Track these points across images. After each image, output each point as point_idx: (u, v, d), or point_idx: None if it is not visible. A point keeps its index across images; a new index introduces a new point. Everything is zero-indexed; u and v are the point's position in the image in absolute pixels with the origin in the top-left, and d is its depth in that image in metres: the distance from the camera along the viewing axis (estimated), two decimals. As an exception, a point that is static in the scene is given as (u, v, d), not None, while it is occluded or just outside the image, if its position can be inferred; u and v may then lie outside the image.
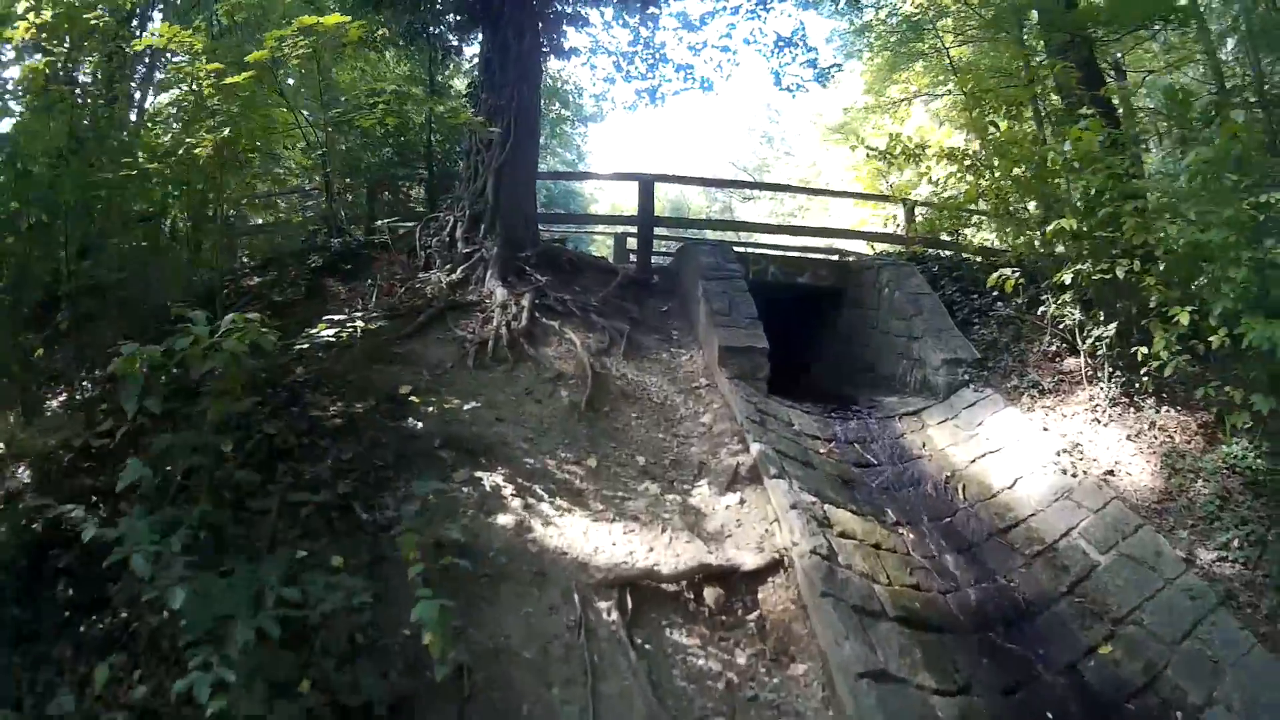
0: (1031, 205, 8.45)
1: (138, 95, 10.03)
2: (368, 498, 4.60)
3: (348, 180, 10.45)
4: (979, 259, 9.52)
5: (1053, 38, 10.61)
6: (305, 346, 5.25)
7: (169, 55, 7.95)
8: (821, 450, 6.65)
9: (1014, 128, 8.66)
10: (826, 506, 5.36)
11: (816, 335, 10.52)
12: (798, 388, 9.34)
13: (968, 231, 11.99)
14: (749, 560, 4.74)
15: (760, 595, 4.60)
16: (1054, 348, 7.27)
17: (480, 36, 9.31)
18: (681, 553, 4.68)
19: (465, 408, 5.60)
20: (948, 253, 10.69)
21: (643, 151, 61.31)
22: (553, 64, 14.82)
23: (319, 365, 5.80)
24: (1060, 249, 7.28)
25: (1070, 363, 7.06)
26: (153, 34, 6.27)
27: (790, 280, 9.63)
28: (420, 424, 5.35)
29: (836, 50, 16.02)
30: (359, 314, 7.12)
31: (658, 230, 11.33)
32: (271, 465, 4.75)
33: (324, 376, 5.75)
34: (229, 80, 5.44)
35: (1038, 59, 12.04)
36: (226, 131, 6.37)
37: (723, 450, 5.98)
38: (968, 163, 8.83)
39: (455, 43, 9.81)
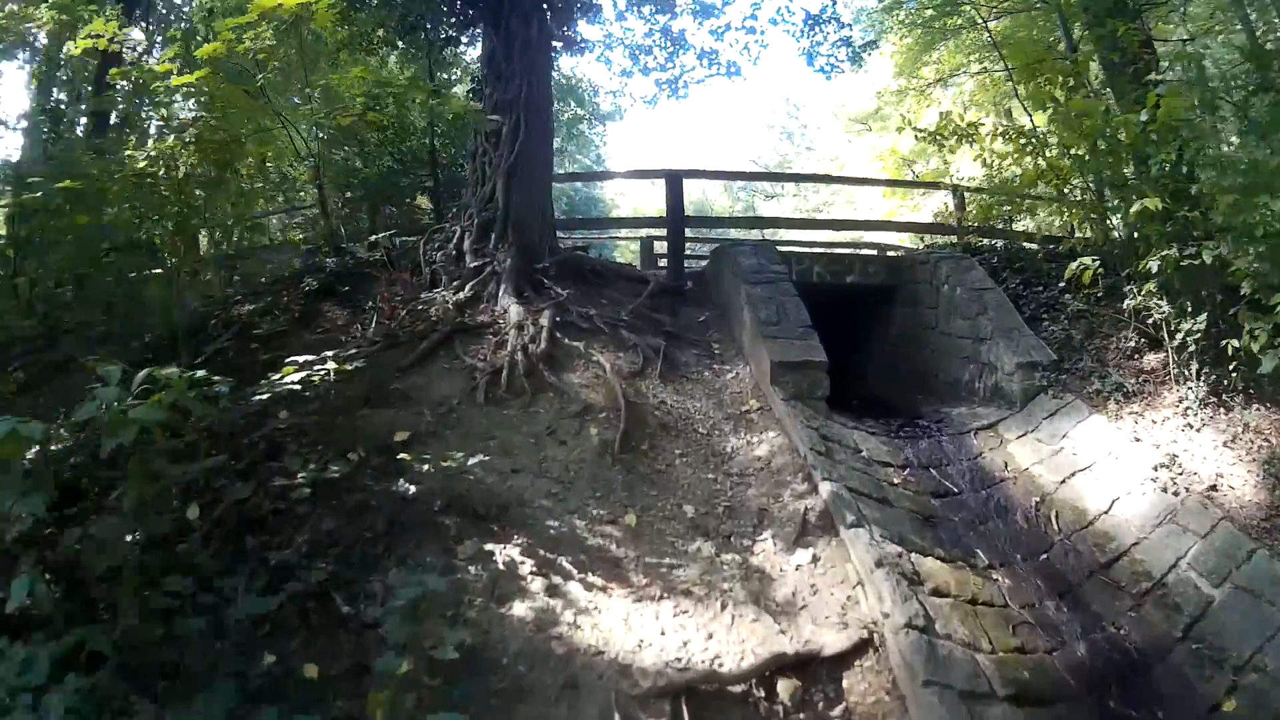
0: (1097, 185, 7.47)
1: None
2: (350, 583, 3.65)
3: (346, 194, 9.60)
4: (1037, 247, 8.77)
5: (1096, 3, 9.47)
6: (266, 397, 4.29)
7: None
8: (895, 480, 5.73)
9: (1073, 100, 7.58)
10: (913, 556, 4.49)
11: (867, 338, 9.47)
12: (852, 399, 8.42)
13: (1023, 218, 10.92)
14: (830, 641, 3.75)
15: (845, 684, 3.62)
16: (1132, 343, 6.52)
17: (482, 29, 8.35)
18: (747, 637, 3.67)
19: (472, 461, 4.59)
20: (1000, 242, 9.69)
21: (663, 151, 60.54)
22: (565, 61, 13.95)
23: (303, 410, 4.88)
24: (1139, 232, 6.55)
25: (1151, 359, 6.34)
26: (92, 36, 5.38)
27: (838, 280, 8.59)
28: (419, 481, 4.37)
29: (864, 32, 14.90)
30: (352, 345, 6.25)
31: (686, 234, 10.32)
32: (239, 538, 3.86)
33: (308, 424, 4.83)
34: (179, 80, 4.55)
35: (1076, 31, 11.16)
36: (192, 145, 5.57)
37: (785, 491, 4.97)
38: (1024, 141, 7.76)
39: (455, 35, 8.84)
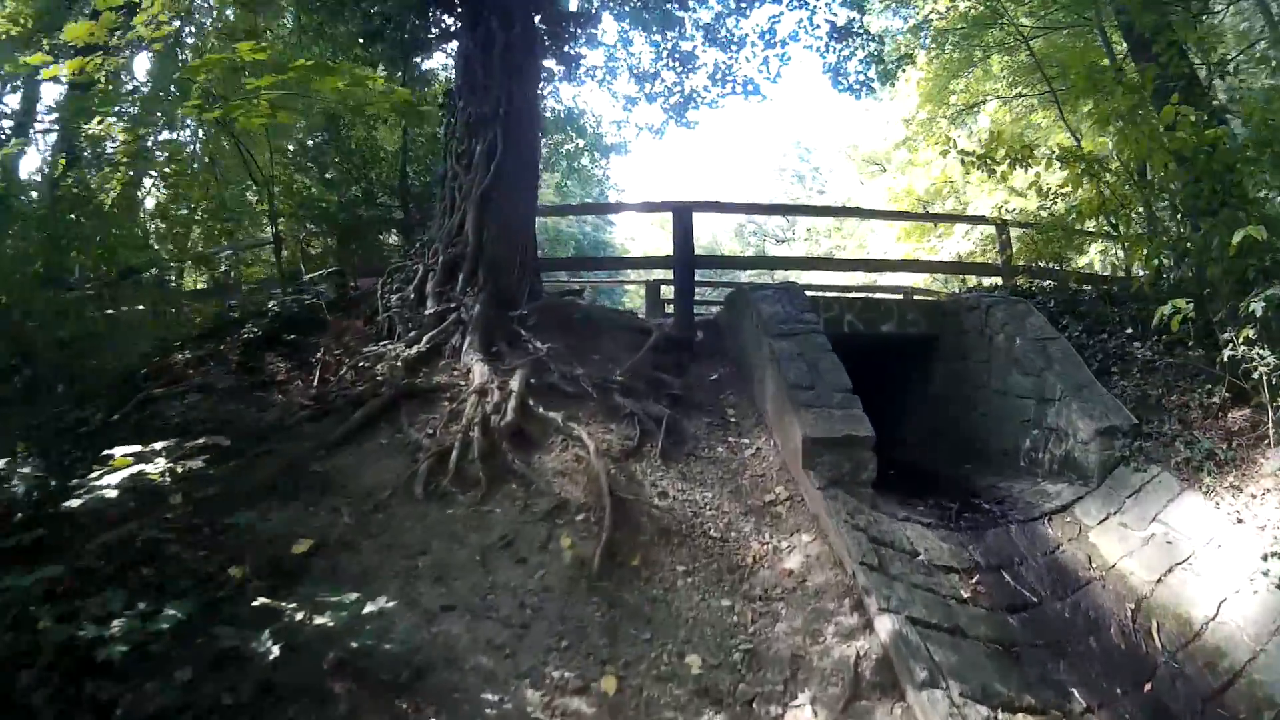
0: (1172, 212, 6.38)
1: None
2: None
3: (308, 226, 8.39)
4: (1092, 287, 7.78)
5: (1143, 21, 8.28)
6: (78, 504, 2.96)
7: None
8: (965, 594, 4.57)
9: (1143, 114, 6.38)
10: (1001, 716, 3.39)
11: (903, 395, 8.13)
12: (888, 468, 7.07)
13: (1076, 255, 9.64)
14: None
15: None
16: (1215, 399, 5.53)
17: (458, 32, 7.15)
18: None
19: (384, 598, 3.16)
20: (1049, 282, 8.45)
21: (670, 189, 59.71)
22: (566, 91, 12.87)
23: (164, 511, 3.55)
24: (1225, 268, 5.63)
25: (1236, 417, 5.40)
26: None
27: (872, 329, 7.26)
28: (306, 623, 2.99)
29: (890, 54, 13.82)
30: (274, 410, 4.96)
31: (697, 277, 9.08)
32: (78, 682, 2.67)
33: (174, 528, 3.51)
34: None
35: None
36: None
37: (828, 626, 3.64)
38: (1083, 166, 6.55)
39: (427, 37, 7.62)
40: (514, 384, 5.12)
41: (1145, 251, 6.32)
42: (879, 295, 8.48)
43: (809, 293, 8.14)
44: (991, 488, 6.07)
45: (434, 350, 5.74)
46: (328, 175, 7.99)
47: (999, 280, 8.90)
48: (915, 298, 8.22)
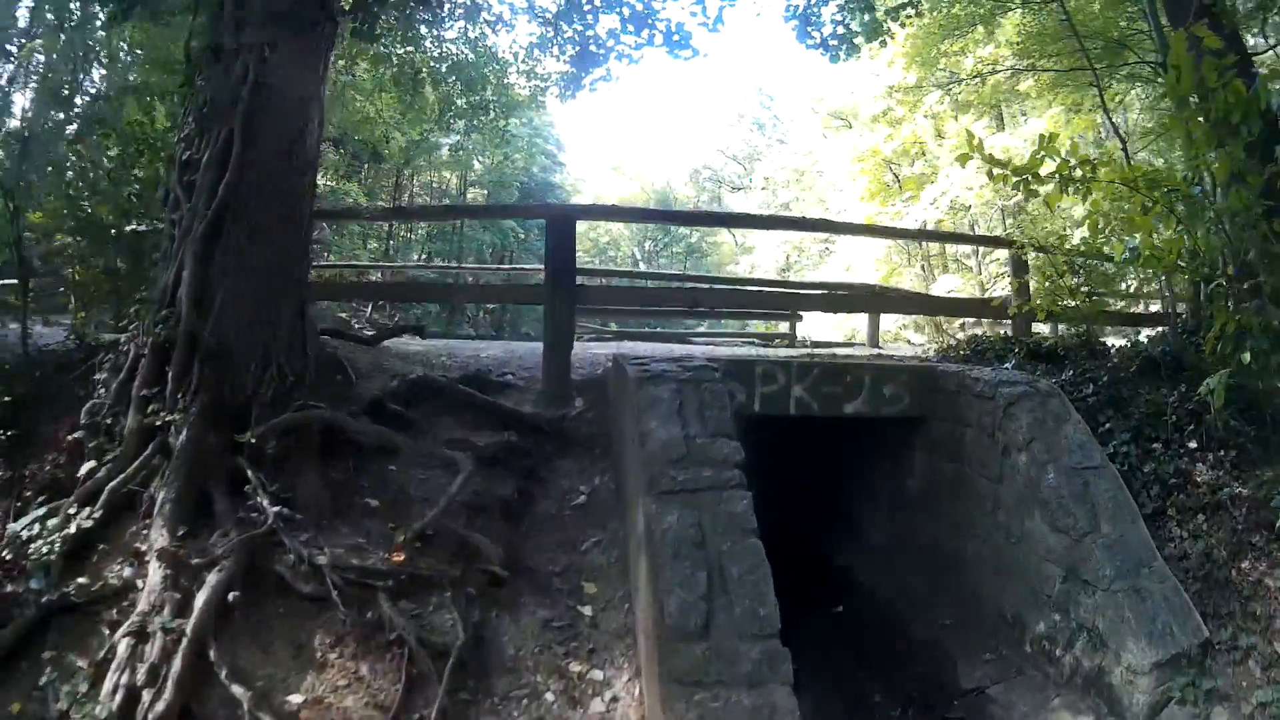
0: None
1: None
2: None
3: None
4: (1145, 342, 5.91)
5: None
6: None
7: None
8: None
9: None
10: None
11: (866, 490, 6.10)
12: (838, 610, 5.36)
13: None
14: None
15: None
16: None
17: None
18: None
19: None
20: (1066, 327, 6.50)
21: (618, 145, 56.48)
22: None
23: None
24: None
25: None
26: None
27: (831, 410, 5.12)
28: None
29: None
30: None
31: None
32: None
33: None
34: None
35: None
36: None
37: None
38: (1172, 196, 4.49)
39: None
40: (200, 600, 2.94)
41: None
42: (843, 356, 6.26)
43: (764, 354, 5.96)
44: (978, 693, 4.13)
45: (127, 506, 3.52)
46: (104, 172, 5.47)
47: (1008, 321, 6.85)
48: (895, 360, 6.05)
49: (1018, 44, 10.43)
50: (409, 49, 9.24)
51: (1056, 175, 4.36)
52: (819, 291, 11.21)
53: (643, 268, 37.27)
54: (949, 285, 22.48)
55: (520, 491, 4.18)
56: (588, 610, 3.60)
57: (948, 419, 5.11)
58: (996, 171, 4.44)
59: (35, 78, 9.73)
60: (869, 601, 5.47)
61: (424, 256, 22.96)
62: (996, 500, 4.57)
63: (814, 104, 28.35)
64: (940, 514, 5.12)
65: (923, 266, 25.25)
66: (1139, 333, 6.86)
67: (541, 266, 6.24)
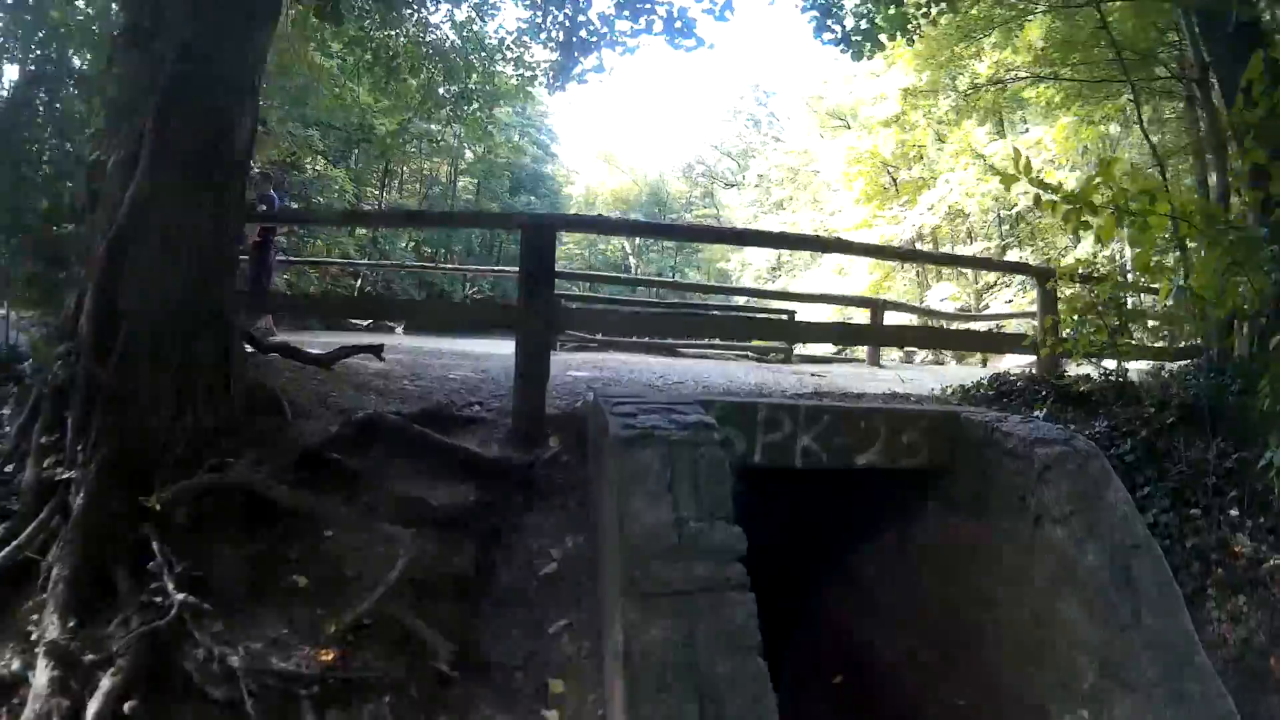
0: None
1: None
2: None
3: None
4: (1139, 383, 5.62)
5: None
6: None
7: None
8: None
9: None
10: None
11: (874, 543, 5.52)
12: (837, 680, 4.91)
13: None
14: None
15: None
16: None
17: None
18: None
19: None
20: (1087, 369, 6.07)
21: (604, 131, 55.54)
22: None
23: None
24: None
25: None
26: None
27: (842, 460, 4.53)
28: None
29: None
30: None
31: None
32: None
33: None
34: None
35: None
36: None
37: None
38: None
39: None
40: (91, 711, 2.36)
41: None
42: (852, 401, 5.64)
43: (764, 399, 5.35)
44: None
45: (25, 575, 2.91)
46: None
47: (1033, 360, 6.31)
48: (913, 404, 5.46)
49: (1041, 49, 9.84)
50: (388, 32, 8.55)
51: (1113, 205, 3.80)
52: (827, 320, 10.45)
53: (632, 262, 36.67)
54: (943, 293, 22.04)
55: (480, 562, 3.58)
56: (553, 717, 3.02)
57: (971, 473, 4.54)
58: (1045, 198, 3.87)
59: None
60: (873, 669, 4.93)
61: (411, 245, 22.25)
62: (1024, 574, 4.01)
63: (811, 102, 27.79)
64: (957, 578, 4.56)
65: (917, 273, 24.77)
66: (1163, 367, 6.39)
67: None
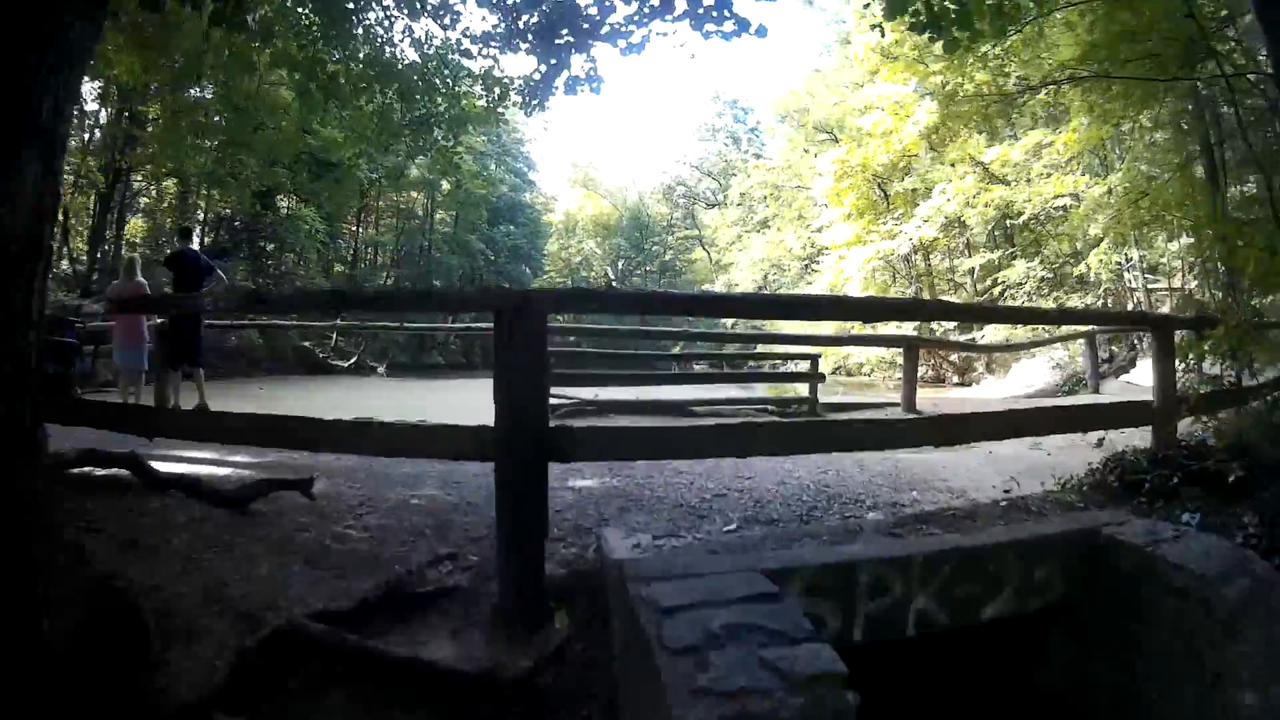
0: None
1: None
2: None
3: None
4: None
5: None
6: None
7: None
8: None
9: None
10: None
11: (994, 692, 4.07)
12: None
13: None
14: None
15: None
16: None
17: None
18: None
19: None
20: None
21: (581, 155, 54.41)
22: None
23: None
24: None
25: None
26: None
27: (966, 616, 3.14)
28: None
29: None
30: None
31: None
32: None
33: None
34: None
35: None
36: None
37: None
38: None
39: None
40: None
41: None
42: (983, 539, 4.12)
43: (866, 556, 3.76)
44: None
45: None
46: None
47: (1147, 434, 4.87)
48: (1035, 525, 3.96)
49: (1089, 43, 8.55)
50: (323, 48, 7.07)
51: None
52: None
53: (616, 288, 35.22)
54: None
55: None
56: None
57: (1112, 600, 3.26)
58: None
59: None
60: None
61: (390, 280, 20.74)
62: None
63: (797, 116, 26.65)
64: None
65: (917, 290, 23.63)
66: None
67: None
